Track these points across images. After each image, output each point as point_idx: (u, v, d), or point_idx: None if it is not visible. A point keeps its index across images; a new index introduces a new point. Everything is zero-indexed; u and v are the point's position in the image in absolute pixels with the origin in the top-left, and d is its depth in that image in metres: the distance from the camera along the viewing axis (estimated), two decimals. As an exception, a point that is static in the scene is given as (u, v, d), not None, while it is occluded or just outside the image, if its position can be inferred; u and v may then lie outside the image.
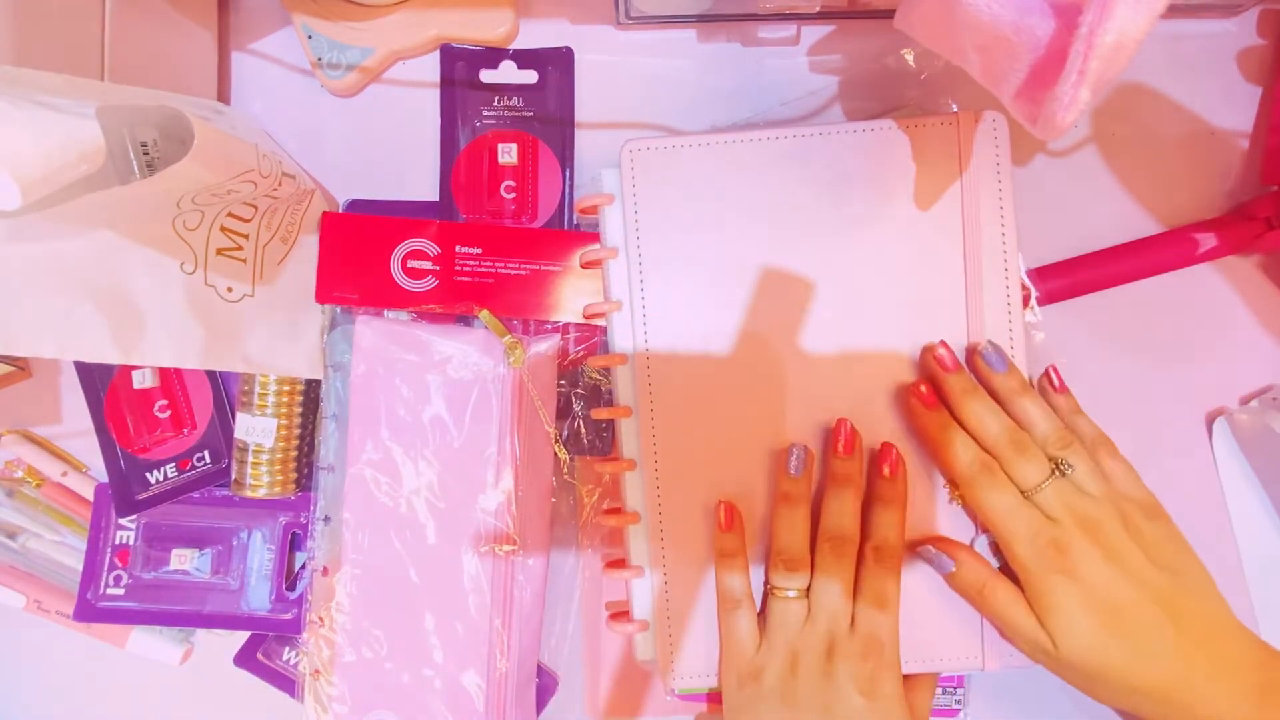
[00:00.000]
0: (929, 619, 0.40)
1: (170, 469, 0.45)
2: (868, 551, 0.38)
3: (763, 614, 0.39)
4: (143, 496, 0.45)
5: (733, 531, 0.40)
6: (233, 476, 0.43)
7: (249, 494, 0.43)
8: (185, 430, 0.45)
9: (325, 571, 0.43)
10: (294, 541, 0.46)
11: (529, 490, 0.43)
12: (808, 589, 0.38)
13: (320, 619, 0.43)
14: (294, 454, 0.43)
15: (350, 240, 0.44)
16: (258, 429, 0.42)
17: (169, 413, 0.45)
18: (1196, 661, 0.35)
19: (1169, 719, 0.35)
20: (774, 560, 0.38)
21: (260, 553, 0.46)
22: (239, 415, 0.43)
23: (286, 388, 0.43)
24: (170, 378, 0.45)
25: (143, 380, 0.45)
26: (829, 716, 0.36)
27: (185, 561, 0.45)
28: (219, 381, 0.46)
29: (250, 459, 0.42)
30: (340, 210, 0.46)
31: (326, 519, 0.43)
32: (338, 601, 0.43)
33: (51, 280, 0.35)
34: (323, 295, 0.44)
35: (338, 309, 0.44)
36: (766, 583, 0.39)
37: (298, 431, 0.44)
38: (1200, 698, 0.34)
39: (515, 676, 0.42)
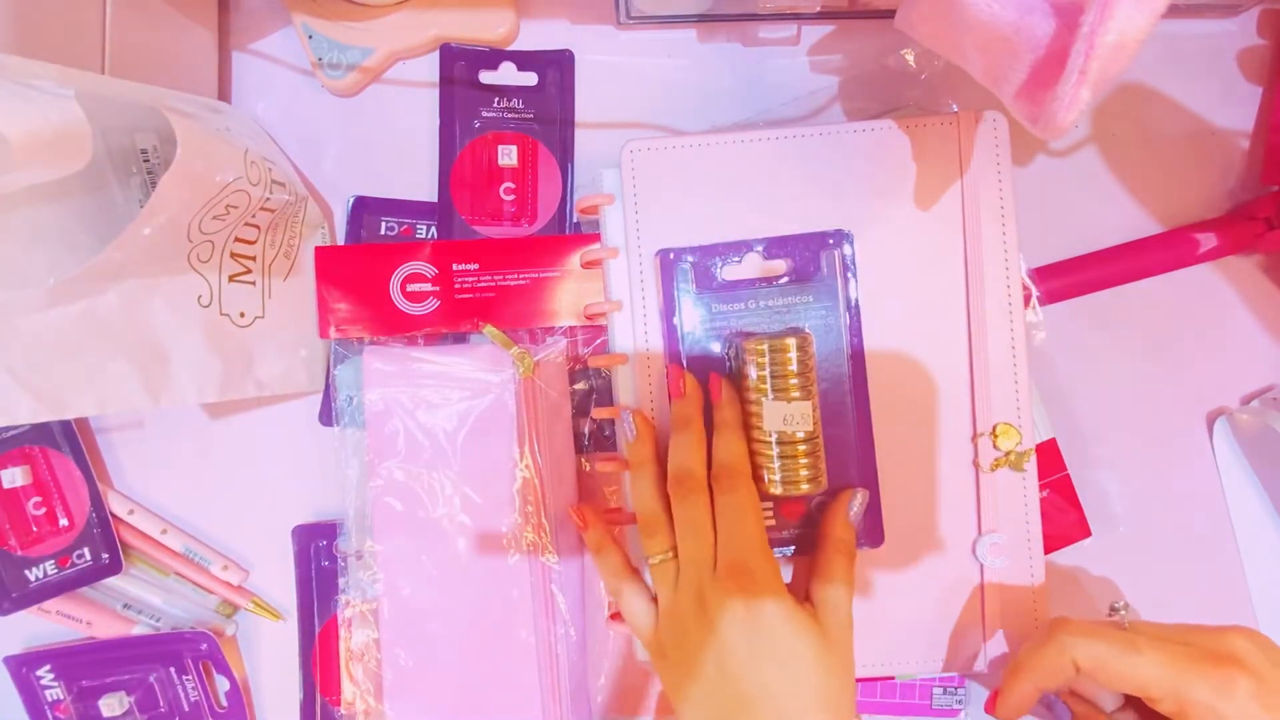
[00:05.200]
0: (929, 619, 0.40)
1: (49, 566, 0.45)
2: (711, 483, 0.36)
3: None
4: (20, 595, 0.44)
5: (592, 528, 0.39)
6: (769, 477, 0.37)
7: (792, 492, 0.37)
8: (62, 526, 0.45)
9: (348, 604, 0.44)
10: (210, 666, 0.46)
11: (555, 496, 0.43)
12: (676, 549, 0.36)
13: (361, 653, 0.43)
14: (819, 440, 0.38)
15: (346, 271, 0.43)
16: (795, 416, 0.37)
17: (44, 509, 0.44)
18: None
19: None
20: (639, 531, 0.37)
21: (179, 685, 0.46)
22: (768, 404, 0.37)
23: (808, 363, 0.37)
24: (42, 474, 0.45)
25: (13, 480, 0.44)
26: (723, 671, 0.32)
27: (116, 707, 0.45)
28: (93, 476, 0.45)
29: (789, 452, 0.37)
30: (347, 207, 0.46)
31: (359, 555, 0.43)
32: (380, 634, 0.42)
33: (87, 339, 0.35)
34: (325, 329, 0.43)
35: (337, 345, 0.44)
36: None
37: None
38: None
39: (567, 685, 0.43)
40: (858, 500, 0.38)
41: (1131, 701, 0.37)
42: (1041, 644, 0.35)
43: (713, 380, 0.38)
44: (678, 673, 0.34)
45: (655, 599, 0.37)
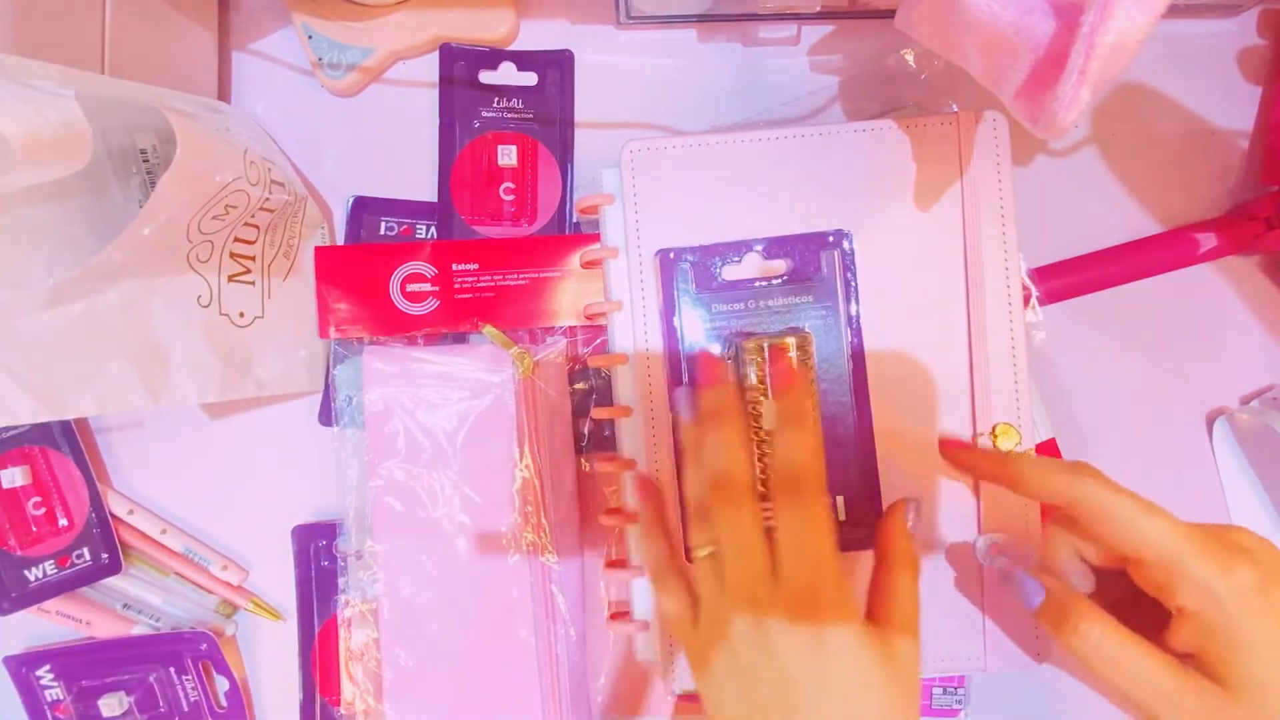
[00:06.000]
0: (930, 619, 0.40)
1: (49, 566, 0.45)
2: (772, 486, 0.32)
3: None
4: (20, 595, 0.44)
5: (651, 506, 0.37)
6: None
7: None
8: (62, 527, 0.45)
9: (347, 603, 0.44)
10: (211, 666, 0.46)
11: (555, 496, 0.43)
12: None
13: (361, 653, 0.43)
14: None
15: (346, 271, 0.43)
16: None
17: (43, 509, 0.44)
18: None
19: None
20: (685, 518, 0.35)
21: (179, 685, 0.46)
22: (768, 404, 0.36)
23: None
24: (42, 474, 0.45)
25: (13, 480, 0.44)
26: (789, 686, 0.30)
27: (116, 707, 0.45)
28: (92, 476, 0.45)
29: None
30: (347, 207, 0.46)
31: (359, 555, 0.43)
32: (380, 634, 0.42)
33: (87, 339, 0.35)
34: (325, 329, 0.43)
35: (337, 345, 0.44)
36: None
37: None
38: None
39: (567, 685, 0.43)
40: (913, 509, 0.36)
41: (1104, 588, 0.35)
42: (1059, 466, 0.33)
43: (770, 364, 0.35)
44: (729, 686, 0.31)
45: (696, 597, 0.34)
